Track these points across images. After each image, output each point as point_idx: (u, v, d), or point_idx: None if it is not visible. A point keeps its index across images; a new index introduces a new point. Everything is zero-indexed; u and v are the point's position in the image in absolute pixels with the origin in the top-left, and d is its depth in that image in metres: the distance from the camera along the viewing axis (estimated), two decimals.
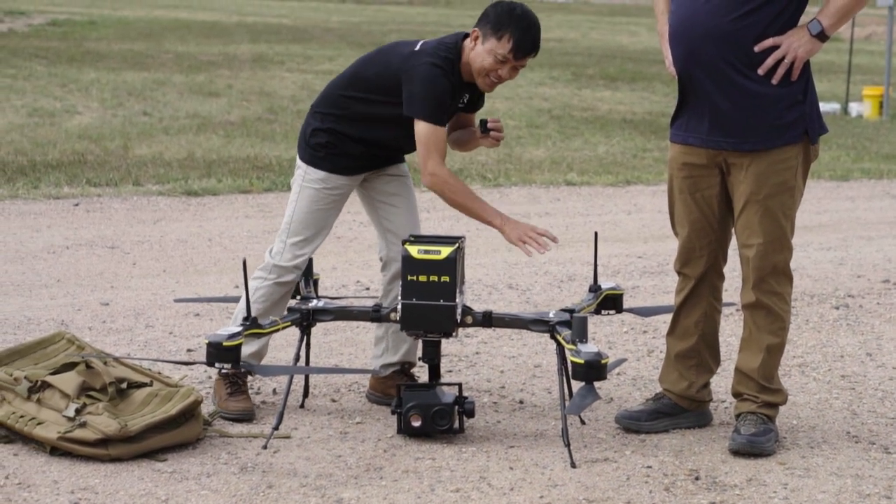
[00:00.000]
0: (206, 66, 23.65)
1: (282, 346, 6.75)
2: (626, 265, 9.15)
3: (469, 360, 6.71)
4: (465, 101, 5.81)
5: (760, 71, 5.18)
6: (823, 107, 20.25)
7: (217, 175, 12.30)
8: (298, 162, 5.86)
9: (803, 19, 5.31)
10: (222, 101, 18.67)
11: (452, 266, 5.39)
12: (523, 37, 5.61)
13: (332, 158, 5.76)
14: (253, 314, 5.43)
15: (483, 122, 5.87)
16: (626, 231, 10.52)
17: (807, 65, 5.27)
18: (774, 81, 5.19)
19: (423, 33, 35.81)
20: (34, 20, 35.33)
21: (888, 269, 9.18)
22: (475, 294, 8.13)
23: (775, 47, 5.18)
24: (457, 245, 5.44)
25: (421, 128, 5.56)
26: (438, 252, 5.41)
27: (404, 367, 5.98)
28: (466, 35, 5.71)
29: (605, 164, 14.04)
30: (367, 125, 5.74)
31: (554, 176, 13.10)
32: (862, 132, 17.81)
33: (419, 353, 5.77)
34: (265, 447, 5.30)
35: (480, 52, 5.62)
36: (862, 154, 15.51)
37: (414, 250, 5.42)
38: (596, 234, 5.92)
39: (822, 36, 5.23)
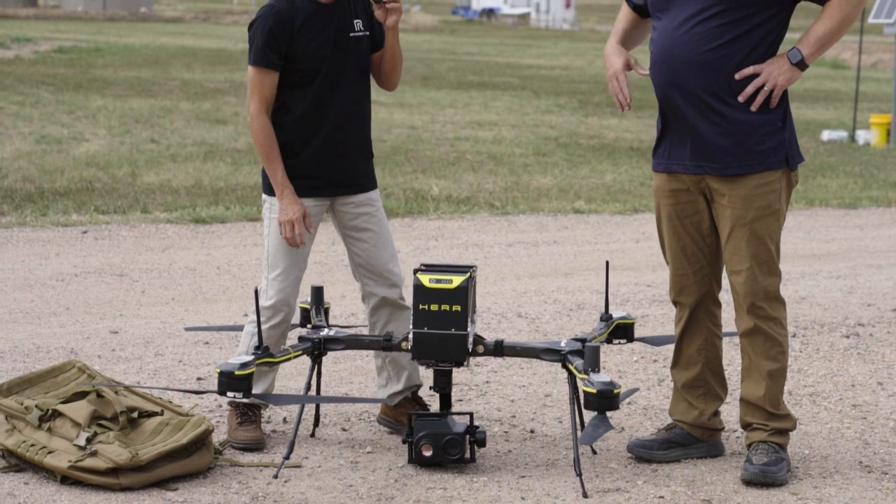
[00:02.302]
0: (212, 94, 23.70)
1: (292, 374, 6.74)
2: (636, 294, 9.13)
3: (479, 388, 6.69)
4: (361, 26, 5.72)
5: (741, 98, 5.23)
6: (830, 134, 20.26)
7: (225, 202, 12.31)
8: (263, 196, 5.85)
9: (783, 48, 5.34)
10: (229, 128, 18.69)
11: (464, 295, 5.38)
12: None
13: (289, 179, 5.72)
14: (248, 358, 5.38)
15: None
16: (635, 259, 10.51)
17: (785, 93, 5.32)
18: (753, 109, 5.24)
19: (429, 61, 35.91)
20: (41, 47, 35.43)
21: None
22: (484, 322, 8.12)
23: (755, 75, 5.21)
24: (468, 274, 5.43)
25: (248, 72, 5.70)
26: (450, 281, 5.40)
27: (412, 392, 5.96)
28: None
29: (613, 192, 14.04)
30: (286, 110, 5.70)
31: (562, 204, 13.10)
32: (869, 160, 17.80)
33: (429, 379, 5.75)
34: (276, 476, 5.28)
35: None
36: (870, 182, 15.50)
37: (425, 279, 5.40)
38: (607, 262, 5.91)
39: (801, 64, 5.27)
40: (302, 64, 5.63)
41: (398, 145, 17.28)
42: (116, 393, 5.34)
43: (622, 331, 5.97)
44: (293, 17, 5.61)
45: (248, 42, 5.69)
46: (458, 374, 6.73)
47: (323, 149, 5.71)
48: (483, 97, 25.14)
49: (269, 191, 5.75)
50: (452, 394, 5.57)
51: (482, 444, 5.41)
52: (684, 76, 5.27)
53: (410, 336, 5.43)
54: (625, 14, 5.68)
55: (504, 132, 19.63)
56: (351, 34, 5.71)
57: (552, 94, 26.65)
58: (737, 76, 5.23)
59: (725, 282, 5.55)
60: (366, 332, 6.00)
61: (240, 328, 6.30)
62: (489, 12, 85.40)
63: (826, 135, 20.31)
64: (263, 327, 5.63)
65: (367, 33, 5.78)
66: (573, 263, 10.37)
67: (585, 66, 37.52)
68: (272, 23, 5.60)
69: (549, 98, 25.69)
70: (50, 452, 5.13)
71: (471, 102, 24.08)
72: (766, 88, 5.22)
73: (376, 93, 23.49)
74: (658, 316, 8.41)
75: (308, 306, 6.07)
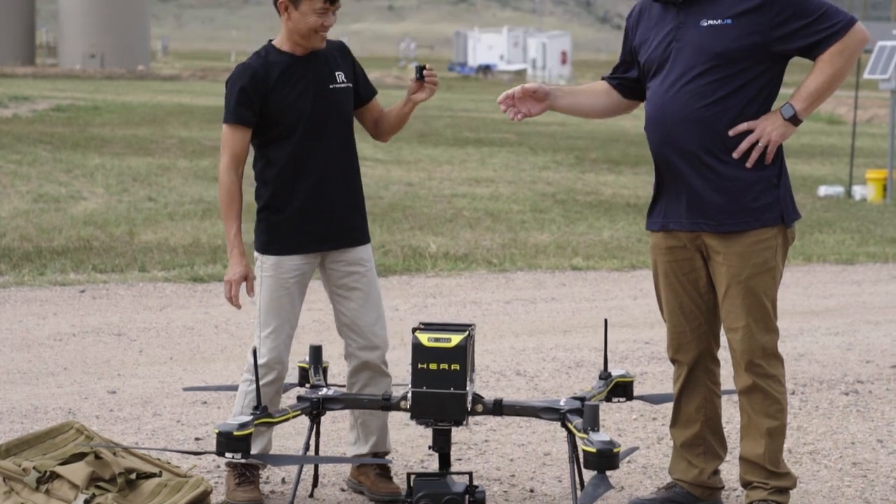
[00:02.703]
0: (210, 151, 23.74)
1: (290, 434, 6.73)
2: (634, 351, 9.13)
3: (479, 447, 6.68)
4: (343, 78, 5.78)
5: (735, 155, 5.26)
6: (827, 190, 20.29)
7: (223, 261, 12.30)
8: (254, 253, 5.87)
9: (777, 103, 5.37)
10: None
11: (463, 354, 5.37)
12: None
13: (275, 237, 5.74)
14: (246, 418, 5.37)
15: (419, 69, 5.81)
16: (633, 316, 10.51)
17: (780, 150, 5.35)
18: (749, 165, 5.26)
19: (426, 117, 36.00)
20: (38, 105, 35.53)
21: None
22: (483, 381, 8.10)
23: (749, 131, 5.24)
24: (467, 333, 5.43)
25: (222, 130, 5.73)
26: (448, 340, 5.39)
27: (379, 462, 5.93)
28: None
29: (610, 248, 14.05)
30: (270, 165, 5.75)
31: (559, 261, 13.11)
32: (866, 215, 17.83)
33: (428, 439, 5.73)
34: None
35: (299, 18, 5.64)
36: (867, 237, 15.52)
37: (424, 338, 5.40)
38: (606, 320, 5.91)
39: (795, 120, 5.31)
40: (279, 118, 5.68)
41: (395, 202, 17.31)
42: (115, 454, 5.32)
43: (621, 389, 5.97)
44: (268, 72, 5.68)
45: (225, 99, 5.75)
46: (457, 433, 6.71)
47: (307, 203, 5.73)
48: (480, 154, 25.20)
49: (261, 249, 5.77)
50: (451, 453, 5.56)
51: (482, 503, 5.39)
52: (678, 133, 5.29)
53: (409, 395, 5.43)
54: (594, 83, 5.73)
55: (501, 189, 19.66)
56: (331, 86, 5.76)
57: (549, 150, 26.71)
58: (730, 133, 5.26)
59: (724, 339, 5.55)
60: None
61: (237, 388, 6.29)
62: (485, 69, 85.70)
63: (823, 190, 20.34)
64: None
65: (350, 85, 5.82)
66: (571, 320, 10.37)
67: (582, 122, 37.60)
68: (245, 80, 5.67)
69: (546, 154, 25.74)
70: None
71: (468, 159, 24.14)
72: (760, 144, 5.25)
73: (374, 150, 23.60)
74: (657, 373, 8.40)
75: (306, 366, 6.07)
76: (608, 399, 5.92)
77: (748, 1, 5.26)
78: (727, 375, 5.63)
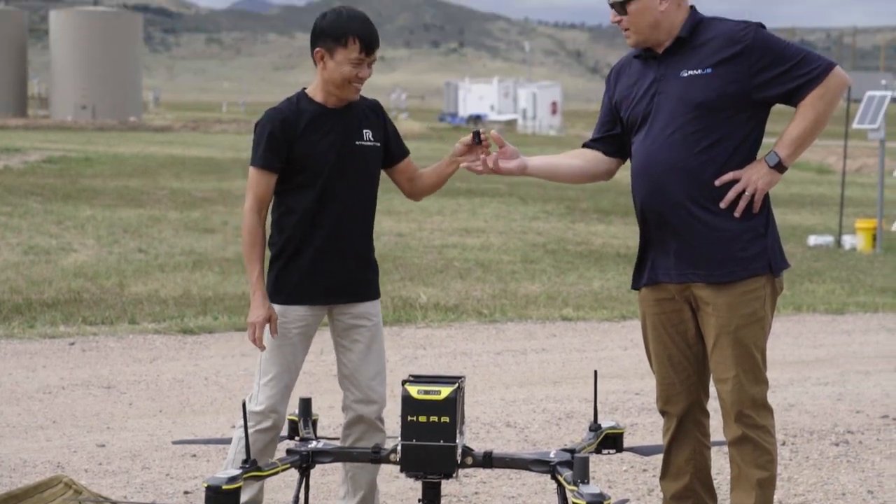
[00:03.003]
0: (201, 203, 23.78)
1: (279, 487, 6.71)
2: (624, 402, 9.12)
3: (468, 500, 6.66)
4: (371, 136, 5.79)
5: (722, 205, 5.27)
6: (816, 239, 20.34)
7: (213, 312, 12.30)
8: None
9: (762, 152, 5.40)
10: (218, 237, 18.73)
11: (452, 406, 5.36)
12: (366, 33, 5.68)
13: (283, 286, 5.73)
14: (241, 459, 5.37)
15: (477, 133, 5.79)
16: (623, 367, 10.51)
17: (767, 199, 5.36)
18: (737, 214, 5.27)
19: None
20: (30, 157, 35.58)
21: (887, 405, 9.15)
22: (473, 432, 8.09)
23: (736, 181, 5.26)
24: (457, 385, 5.41)
25: (249, 171, 5.73)
26: (438, 392, 5.38)
27: None
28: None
29: (601, 298, 14.06)
30: (289, 212, 5.75)
31: (550, 311, 13.11)
32: (856, 265, 17.87)
33: (418, 491, 5.71)
34: None
35: (334, 67, 5.66)
36: (856, 287, 15.55)
37: (413, 390, 5.39)
38: (596, 372, 5.91)
39: (780, 167, 5.32)
40: (304, 165, 5.69)
41: (386, 253, 17.32)
42: None
43: (611, 441, 5.95)
44: (298, 119, 5.70)
45: (253, 142, 5.76)
46: (447, 486, 6.70)
47: (320, 255, 5.74)
48: (471, 204, 25.25)
49: (268, 296, 5.77)
50: None
51: None
52: (665, 185, 5.31)
53: (399, 448, 5.41)
54: (574, 150, 5.75)
55: (492, 239, 19.69)
56: (357, 142, 5.76)
57: (539, 200, 26.78)
58: (717, 182, 5.27)
59: (713, 390, 5.54)
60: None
61: (228, 441, 6.28)
62: (476, 118, 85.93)
63: (812, 240, 20.40)
64: (251, 431, 5.63)
65: (378, 144, 5.83)
66: (562, 371, 10.37)
67: None
68: (275, 125, 5.69)
69: (537, 204, 25.81)
70: None
71: (458, 209, 24.19)
72: (747, 193, 5.26)
73: None
74: (647, 424, 8.39)
75: (296, 418, 6.05)
76: (598, 451, 5.90)
77: (727, 50, 5.30)
78: (717, 426, 5.62)
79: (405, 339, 11.59)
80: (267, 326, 5.72)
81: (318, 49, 5.71)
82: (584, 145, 5.77)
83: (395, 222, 21.52)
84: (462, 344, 11.48)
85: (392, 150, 5.92)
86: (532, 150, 53.39)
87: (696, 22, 5.41)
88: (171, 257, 16.38)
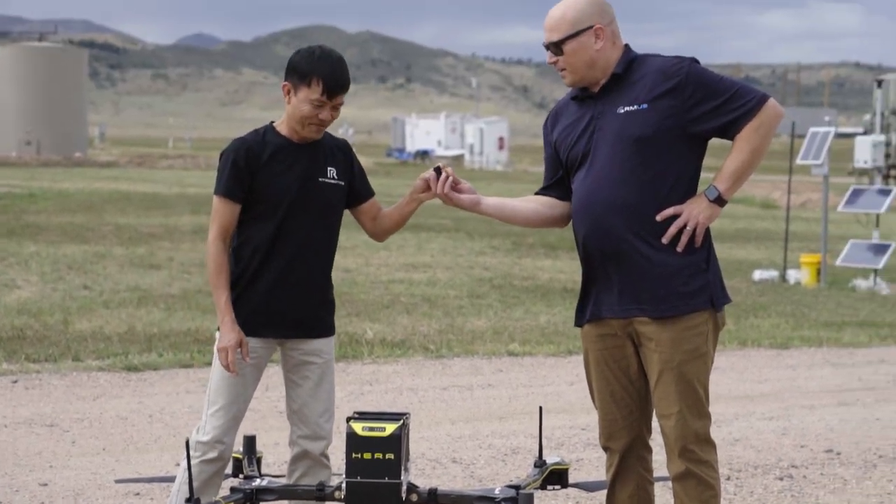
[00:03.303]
0: (146, 239, 23.67)
1: None
2: (570, 437, 9.13)
3: None
4: (335, 174, 5.78)
5: (664, 240, 5.29)
6: (762, 274, 20.46)
7: (158, 349, 12.23)
8: (217, 332, 5.85)
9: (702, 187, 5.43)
10: (163, 273, 18.64)
11: (397, 443, 5.35)
12: (331, 77, 5.65)
13: (238, 315, 5.68)
14: (184, 496, 5.34)
15: (437, 168, 5.74)
16: (569, 402, 10.51)
17: (708, 234, 5.40)
18: (679, 249, 5.29)
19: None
20: None
21: (831, 439, 9.20)
22: (419, 469, 8.07)
23: (677, 216, 5.29)
24: (401, 422, 5.41)
25: (213, 201, 5.73)
26: (383, 429, 5.37)
27: None
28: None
29: (547, 333, 14.08)
30: (247, 243, 5.73)
31: (496, 346, 13.11)
32: (801, 299, 17.98)
33: None
34: None
35: (296, 104, 5.67)
36: (801, 322, 15.64)
37: (358, 427, 5.38)
38: (541, 408, 5.91)
39: (720, 200, 5.36)
40: (263, 197, 5.68)
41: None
42: None
43: (556, 476, 5.95)
44: (262, 150, 5.70)
45: (218, 171, 5.75)
46: None
47: (274, 289, 5.72)
48: (417, 239, 25.26)
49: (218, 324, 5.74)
50: None
51: None
52: (606, 221, 5.33)
53: (343, 485, 5.39)
54: (529, 196, 5.74)
55: (438, 274, 19.70)
56: (320, 179, 5.75)
57: (486, 235, 26.82)
58: (658, 217, 5.30)
59: (655, 425, 5.55)
60: (301, 481, 5.95)
61: (172, 479, 6.23)
62: (423, 154, 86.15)
63: (757, 274, 20.51)
64: (197, 461, 5.60)
65: (342, 183, 5.82)
66: (508, 407, 10.36)
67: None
68: (238, 155, 5.70)
69: (483, 239, 25.85)
70: None
71: (405, 244, 24.19)
72: (688, 228, 5.29)
73: None
74: (593, 460, 8.40)
75: (240, 456, 6.02)
76: (543, 487, 5.90)
77: (661, 85, 5.33)
78: (661, 461, 5.63)
79: (351, 374, 11.56)
80: (239, 351, 5.68)
81: (285, 83, 5.73)
82: (537, 193, 5.77)
83: (341, 258, 21.42)
84: (408, 380, 11.46)
85: (357, 189, 5.92)
86: (479, 184, 53.29)
87: (631, 59, 5.45)
88: (115, 294, 16.28)
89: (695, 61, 5.39)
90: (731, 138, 5.37)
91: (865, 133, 53.00)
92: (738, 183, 5.40)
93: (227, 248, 5.73)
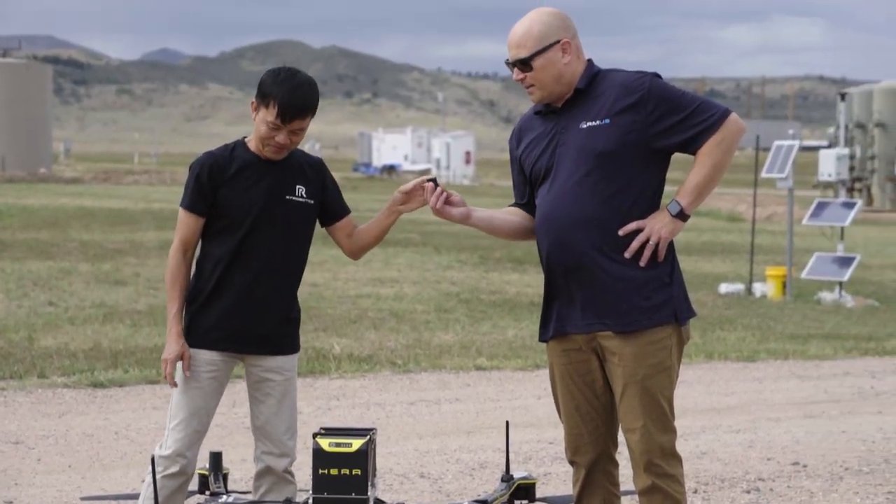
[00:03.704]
0: (112, 255, 23.58)
1: None
2: (538, 451, 9.13)
3: None
4: (304, 193, 5.75)
5: (627, 254, 5.30)
6: (728, 287, 20.53)
7: (124, 366, 12.17)
8: None
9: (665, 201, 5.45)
10: (129, 289, 18.57)
11: (364, 459, 5.34)
12: (287, 101, 5.59)
13: (194, 329, 5.69)
14: None
15: (434, 180, 5.63)
16: (537, 416, 10.52)
17: (672, 248, 5.41)
18: (642, 264, 5.31)
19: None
20: None
21: (797, 451, 9.23)
22: (386, 484, 8.06)
23: (639, 230, 5.30)
24: (368, 437, 5.40)
25: (179, 212, 5.76)
26: (349, 445, 5.37)
27: None
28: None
29: (515, 347, 14.09)
30: (210, 258, 5.73)
31: (464, 361, 13.11)
32: (766, 312, 18.05)
33: None
34: None
35: (258, 122, 5.66)
36: (767, 334, 15.69)
37: (325, 443, 5.37)
38: (507, 423, 5.91)
39: (682, 215, 5.37)
40: (226, 212, 5.67)
41: (300, 303, 17.23)
42: None
43: (523, 491, 5.96)
44: (228, 165, 5.69)
45: (185, 184, 5.75)
46: None
47: (235, 303, 5.70)
48: (384, 254, 25.25)
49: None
50: None
51: None
52: (569, 236, 5.34)
53: (310, 501, 5.38)
54: (510, 208, 5.73)
55: (406, 289, 19.69)
56: (287, 196, 5.72)
57: (453, 249, 26.83)
58: (621, 232, 5.31)
59: (622, 439, 5.56)
60: (267, 497, 5.93)
61: (137, 496, 6.20)
62: (390, 169, 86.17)
63: (724, 287, 20.58)
64: (159, 476, 5.58)
65: (311, 202, 5.79)
66: (475, 421, 10.36)
67: None
68: (202, 169, 5.69)
69: (451, 254, 25.86)
70: None
71: (372, 259, 24.16)
72: (651, 243, 5.30)
73: None
74: (560, 473, 8.40)
75: (206, 472, 6.00)
76: (511, 501, 5.92)
77: (623, 100, 5.35)
78: (627, 475, 5.64)
79: (318, 389, 11.54)
80: (179, 364, 5.67)
81: (253, 100, 5.71)
82: (511, 206, 5.76)
83: (308, 272, 21.24)
84: (376, 394, 11.45)
85: (332, 208, 5.89)
86: None
87: (594, 74, 5.46)
88: (81, 310, 16.21)
89: (657, 76, 5.40)
90: (694, 153, 5.39)
91: (830, 146, 53.27)
92: (701, 197, 5.42)
93: (188, 260, 5.72)
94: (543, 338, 5.57)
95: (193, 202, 5.68)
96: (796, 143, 20.90)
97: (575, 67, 5.43)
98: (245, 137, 5.82)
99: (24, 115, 70.00)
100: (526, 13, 5.48)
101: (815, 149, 41.91)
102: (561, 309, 5.46)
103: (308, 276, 21.67)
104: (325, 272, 21.61)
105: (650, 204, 5.38)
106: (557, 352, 5.53)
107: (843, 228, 20.67)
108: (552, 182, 5.42)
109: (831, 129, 59.70)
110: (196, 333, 5.72)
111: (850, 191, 49.82)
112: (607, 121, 5.33)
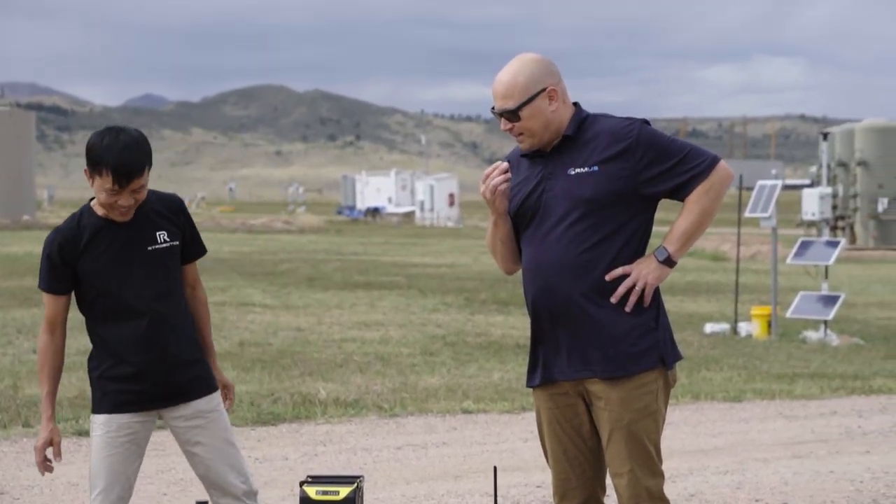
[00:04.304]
0: None
1: None
2: (525, 495, 9.10)
3: None
4: (166, 237, 5.67)
5: (613, 299, 5.31)
6: (713, 327, 20.52)
7: None
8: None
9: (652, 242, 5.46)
10: None
11: None
12: (119, 165, 5.46)
13: (102, 395, 5.66)
14: None
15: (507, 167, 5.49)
16: (524, 459, 10.48)
17: (657, 293, 5.42)
18: (628, 309, 5.31)
19: (315, 262, 36.02)
20: None
21: (786, 493, 9.21)
22: None
23: (626, 276, 5.30)
24: (356, 485, 5.39)
25: None
26: (337, 493, 5.36)
27: None
28: None
29: (501, 390, 14.05)
30: (91, 325, 5.71)
31: (450, 404, 13.07)
32: (752, 352, 18.04)
33: None
34: None
35: (96, 189, 5.57)
36: (753, 374, 15.68)
37: (312, 492, 5.36)
38: (495, 468, 5.89)
39: (669, 261, 5.39)
40: (92, 282, 5.58)
41: (284, 348, 17.22)
42: None
43: None
44: (78, 238, 5.59)
45: (39, 265, 5.70)
46: None
47: (134, 362, 5.63)
48: (369, 297, 25.22)
49: (92, 409, 5.69)
50: None
51: None
52: (556, 281, 5.34)
53: None
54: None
55: (391, 332, 19.65)
56: (149, 248, 5.64)
57: (438, 292, 26.80)
58: (607, 277, 5.31)
59: (610, 483, 5.54)
60: None
61: None
62: (374, 211, 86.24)
63: (709, 327, 20.57)
64: None
65: (175, 243, 5.71)
66: (463, 466, 10.32)
67: (471, 262, 37.86)
68: (52, 250, 5.61)
69: (436, 296, 25.82)
70: None
71: (357, 303, 24.14)
72: (637, 288, 5.31)
73: (262, 296, 23.44)
74: None
75: None
76: None
77: (612, 147, 5.35)
78: None
79: (305, 435, 11.50)
80: (103, 430, 5.63)
81: (86, 168, 5.60)
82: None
83: (293, 317, 21.43)
84: (362, 440, 11.40)
85: (187, 249, 5.80)
86: (430, 241, 53.60)
87: (582, 119, 5.47)
88: (66, 357, 16.09)
89: (645, 123, 5.42)
90: (682, 199, 5.40)
91: (812, 185, 53.46)
92: (688, 244, 5.43)
93: (57, 339, 5.72)
94: (530, 384, 5.57)
95: (50, 283, 5.63)
96: (779, 182, 20.93)
97: (562, 114, 5.43)
98: (92, 201, 5.71)
99: (8, 162, 69.87)
100: (509, 58, 5.48)
101: (798, 187, 42.05)
102: (547, 354, 5.46)
103: (293, 320, 21.72)
104: (309, 316, 21.58)
105: (637, 249, 5.39)
106: (544, 397, 5.52)
107: (827, 267, 20.70)
108: (538, 227, 5.42)
109: (813, 168, 59.97)
110: (105, 400, 5.66)
111: (834, 229, 50.01)
112: (596, 168, 5.34)
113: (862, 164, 52.54)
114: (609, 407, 5.34)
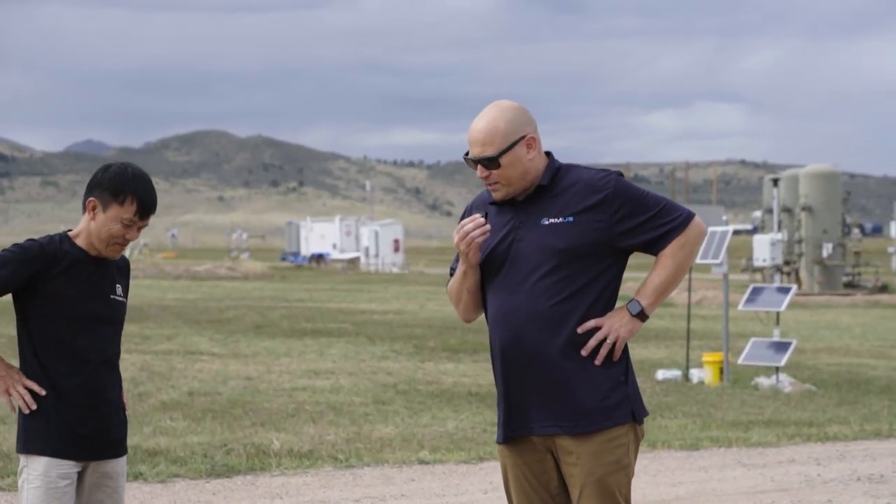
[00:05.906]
0: None
1: None
2: None
3: None
4: (121, 292, 5.67)
5: (584, 352, 5.24)
6: (665, 374, 20.47)
7: None
8: (20, 459, 5.58)
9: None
10: None
11: None
12: (146, 197, 5.53)
13: (50, 439, 5.47)
14: None
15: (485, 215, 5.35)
16: None
17: (626, 348, 5.34)
18: (598, 362, 5.24)
19: (261, 308, 35.77)
20: None
21: None
22: None
23: (598, 328, 5.21)
24: None
25: None
26: None
27: None
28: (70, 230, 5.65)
29: (457, 439, 13.90)
30: (39, 362, 5.53)
31: (406, 454, 12.90)
32: (706, 399, 17.98)
33: None
34: None
35: (104, 222, 5.52)
36: (708, 422, 15.61)
37: None
38: None
39: (642, 315, 5.34)
40: (61, 310, 5.46)
41: (235, 398, 17.00)
42: None
43: None
44: (60, 258, 5.50)
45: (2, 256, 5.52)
46: None
47: (84, 408, 5.50)
48: (318, 344, 25.03)
49: (25, 449, 5.50)
50: None
51: None
52: (525, 333, 5.24)
53: None
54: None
55: (342, 380, 19.47)
56: (112, 296, 5.63)
57: (387, 339, 26.65)
58: (579, 330, 5.23)
59: None
60: None
61: None
62: (318, 257, 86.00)
63: (661, 374, 20.53)
64: None
65: (125, 301, 5.71)
66: None
67: (417, 309, 37.71)
68: (32, 250, 5.47)
69: (385, 343, 25.67)
70: None
71: (306, 350, 23.95)
72: (608, 341, 5.24)
73: (210, 343, 23.28)
74: None
75: None
76: None
77: (588, 199, 5.27)
78: None
79: (260, 488, 11.30)
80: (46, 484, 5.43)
81: (92, 199, 5.53)
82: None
83: (242, 365, 21.20)
84: (319, 492, 11.21)
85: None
86: (375, 287, 53.44)
87: (556, 169, 5.38)
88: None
89: (620, 175, 5.35)
90: (655, 254, 5.33)
91: (755, 230, 53.72)
92: (661, 299, 5.38)
93: None
94: (500, 439, 5.44)
95: (8, 273, 5.41)
96: (730, 228, 20.98)
97: (538, 163, 5.35)
98: (68, 231, 5.66)
99: None
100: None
101: (741, 232, 42.22)
102: (513, 409, 5.34)
103: (241, 369, 21.50)
104: (258, 364, 21.37)
105: (608, 302, 5.33)
106: (510, 453, 5.41)
107: (778, 313, 20.71)
108: (507, 276, 5.31)
109: (756, 213, 60.27)
110: (52, 443, 5.48)
111: (781, 273, 50.23)
112: (571, 218, 5.25)
113: (806, 209, 52.86)
114: (580, 461, 5.23)
